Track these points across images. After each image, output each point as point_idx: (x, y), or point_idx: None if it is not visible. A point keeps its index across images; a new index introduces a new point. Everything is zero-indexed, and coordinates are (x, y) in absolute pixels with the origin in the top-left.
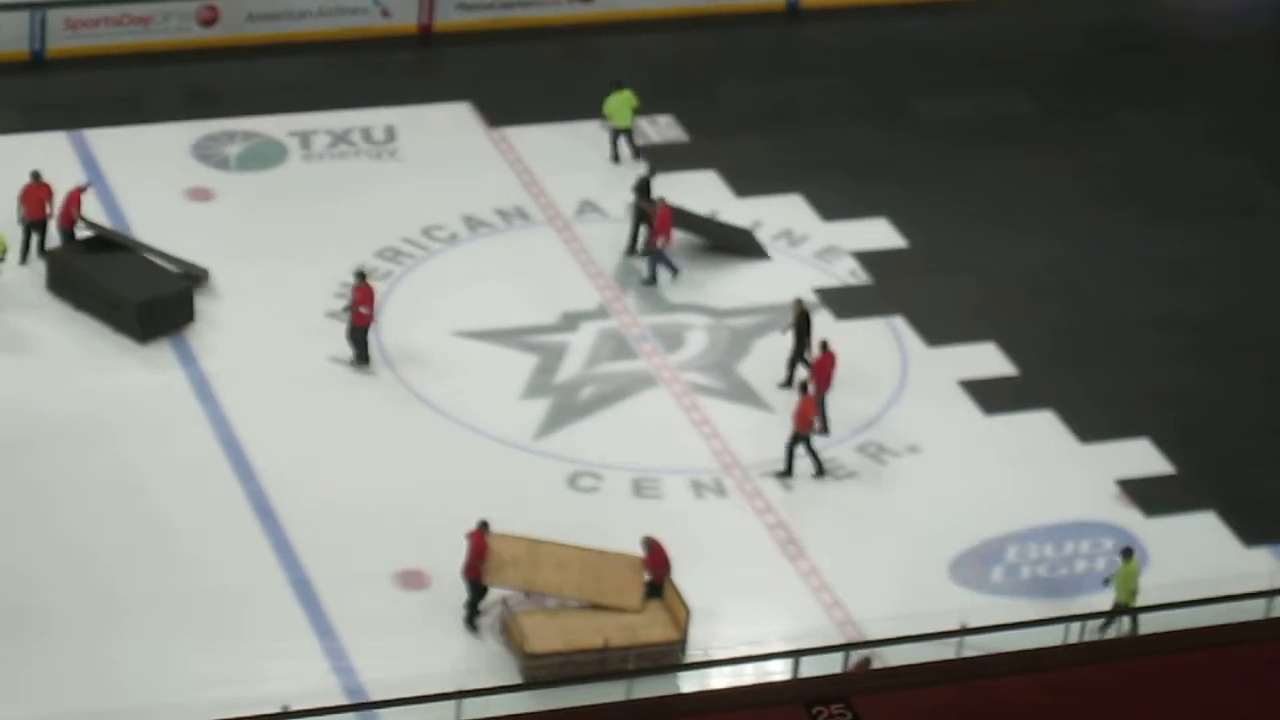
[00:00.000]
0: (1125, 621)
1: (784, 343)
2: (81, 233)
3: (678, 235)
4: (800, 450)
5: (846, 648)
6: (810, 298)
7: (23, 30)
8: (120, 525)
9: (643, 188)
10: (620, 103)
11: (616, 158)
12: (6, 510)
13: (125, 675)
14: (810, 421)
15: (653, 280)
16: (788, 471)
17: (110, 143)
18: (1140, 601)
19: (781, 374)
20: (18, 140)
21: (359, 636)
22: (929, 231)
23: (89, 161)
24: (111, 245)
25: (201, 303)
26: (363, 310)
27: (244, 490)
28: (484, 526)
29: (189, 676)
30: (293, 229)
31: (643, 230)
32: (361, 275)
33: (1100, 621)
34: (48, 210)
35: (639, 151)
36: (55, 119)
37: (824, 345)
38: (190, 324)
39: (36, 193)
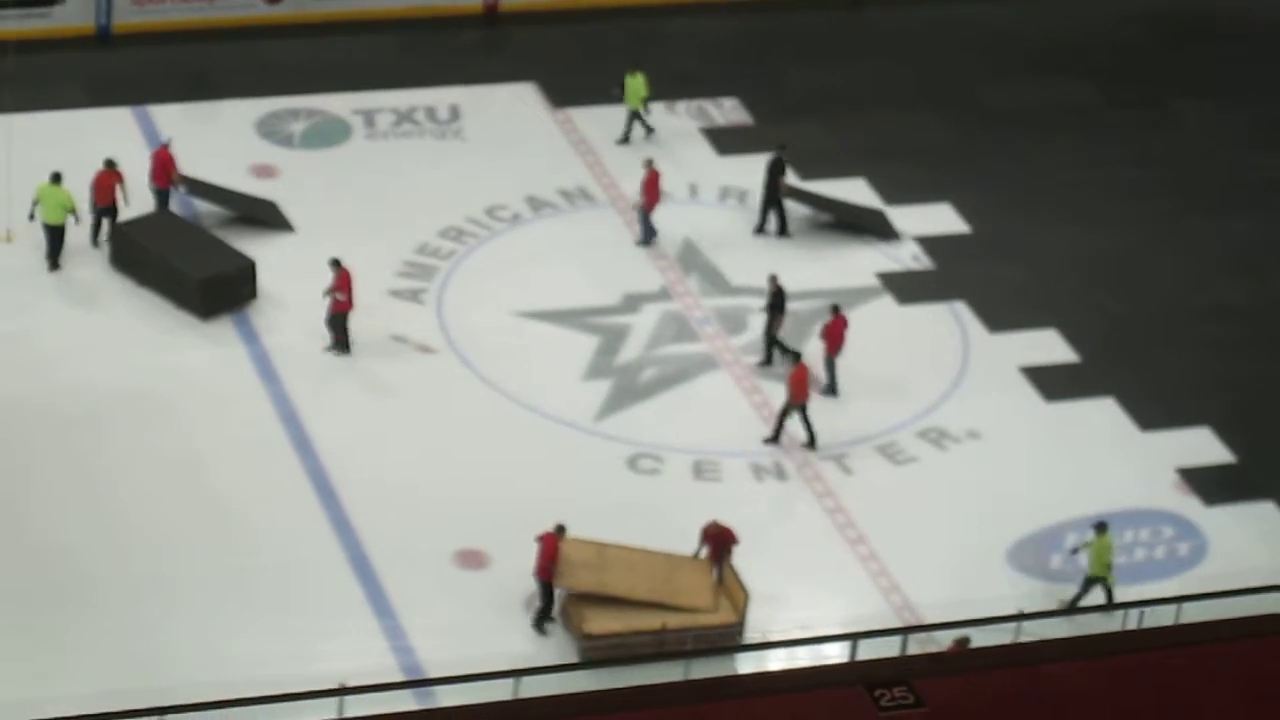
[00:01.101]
0: (1101, 594)
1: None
2: (178, 191)
3: (804, 213)
4: (798, 418)
5: (904, 631)
6: (873, 282)
7: (89, 6)
8: (180, 502)
9: (775, 167)
10: (636, 86)
11: (651, 129)
12: (67, 486)
13: (183, 651)
14: (804, 391)
15: (649, 240)
16: (774, 439)
17: (175, 119)
18: (1198, 589)
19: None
20: (83, 115)
21: (417, 615)
22: (992, 217)
23: (153, 137)
24: (175, 222)
25: (263, 280)
26: (339, 296)
27: (304, 467)
28: (560, 530)
29: (246, 653)
30: (356, 207)
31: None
32: (336, 262)
33: (1074, 594)
34: (119, 196)
35: (649, 128)
36: (121, 95)
37: (835, 309)
38: (252, 301)
39: (108, 179)
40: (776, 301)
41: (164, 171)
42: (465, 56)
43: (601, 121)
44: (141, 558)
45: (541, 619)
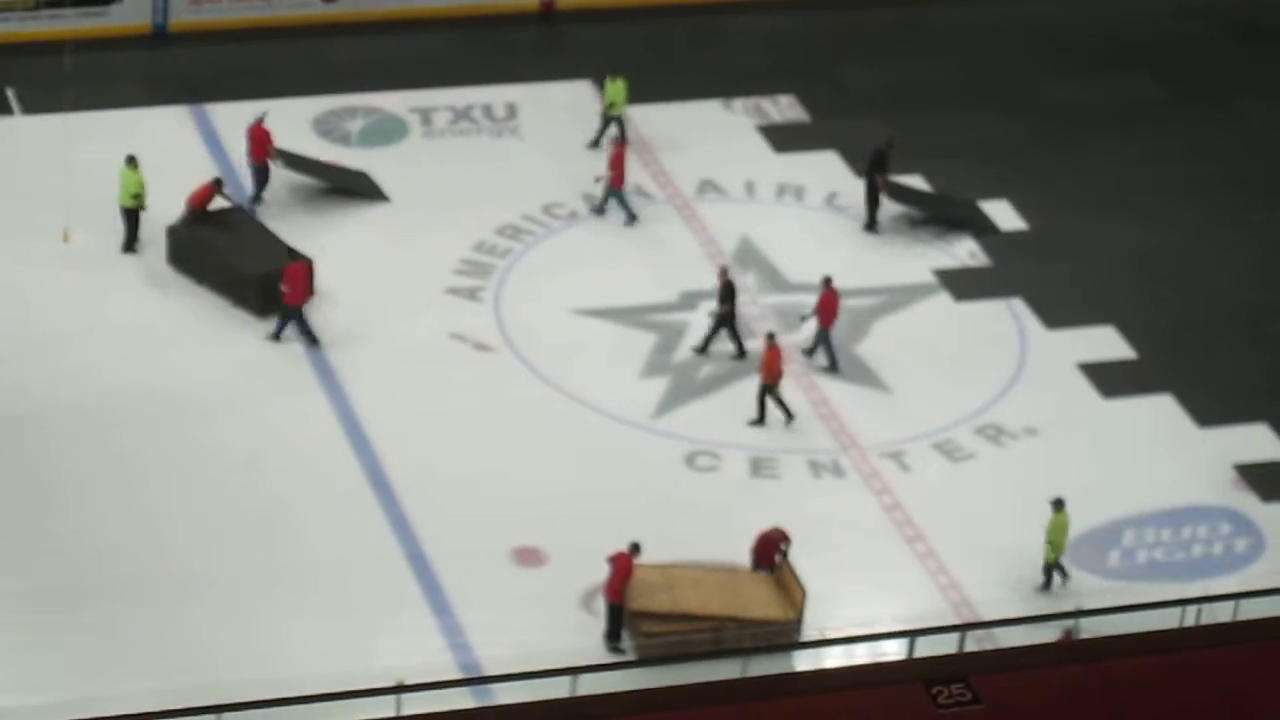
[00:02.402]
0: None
1: (898, 322)
2: (275, 164)
3: (892, 209)
4: (771, 401)
5: (962, 628)
6: (930, 279)
7: (146, 5)
8: (237, 500)
9: (877, 161)
10: (615, 91)
11: (624, 137)
12: (124, 484)
13: (241, 649)
14: (777, 372)
15: (602, 211)
16: (760, 420)
17: (231, 117)
18: (1255, 585)
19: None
20: (140, 113)
21: (474, 612)
22: (1050, 214)
23: (210, 135)
24: (232, 220)
25: (321, 278)
26: (284, 289)
27: (361, 465)
28: (634, 549)
29: (304, 651)
30: (413, 205)
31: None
32: (291, 252)
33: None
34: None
35: (623, 136)
36: (177, 93)
37: (827, 281)
38: (310, 299)
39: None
40: (727, 294)
41: (261, 146)
42: (522, 54)
43: (658, 119)
44: (197, 556)
45: (611, 640)
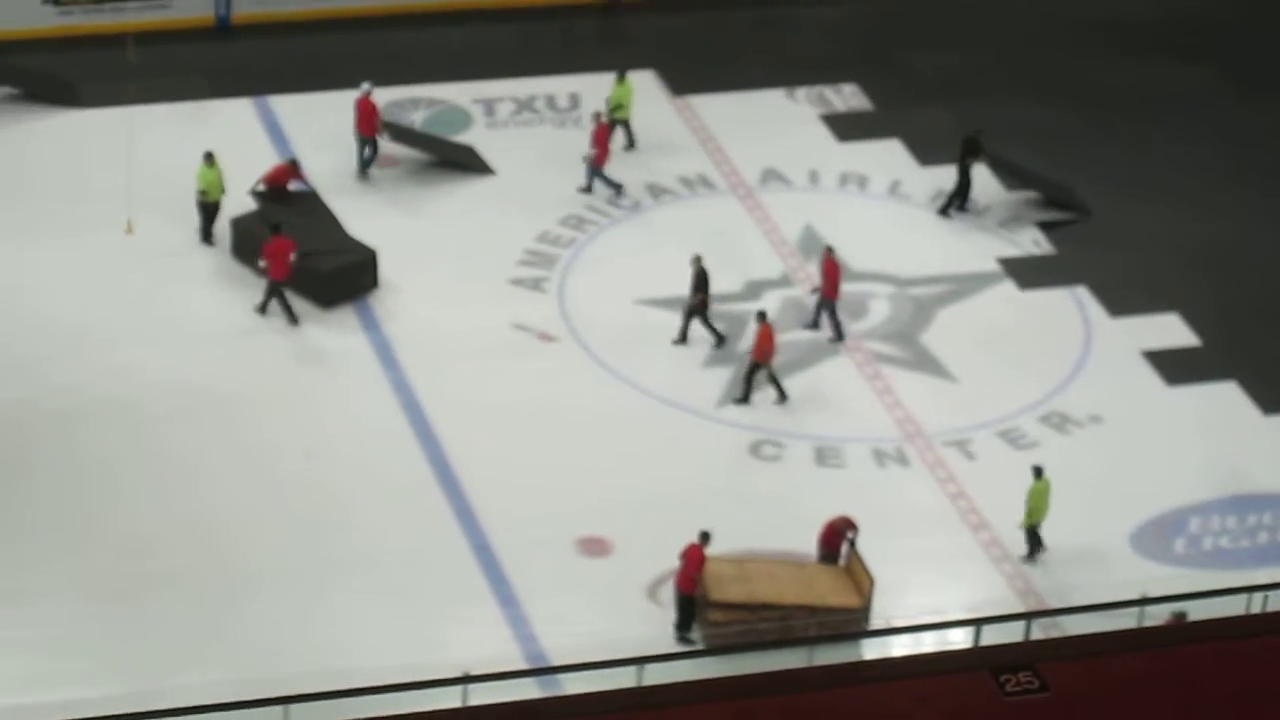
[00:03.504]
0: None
1: (962, 311)
2: (383, 137)
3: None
4: (762, 378)
5: (1028, 616)
6: (994, 267)
7: None
8: (301, 490)
9: (970, 147)
10: (621, 94)
11: (633, 143)
12: (189, 474)
13: (306, 640)
14: (768, 350)
15: (589, 189)
16: (745, 399)
17: (295, 109)
18: None
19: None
20: (203, 106)
21: (540, 603)
22: (1113, 201)
23: (274, 128)
24: (293, 211)
25: (385, 268)
26: (263, 264)
27: (425, 456)
28: (705, 538)
29: (370, 643)
30: (476, 196)
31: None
32: (275, 227)
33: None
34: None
35: (631, 142)
36: (240, 85)
37: (829, 250)
38: (373, 289)
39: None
40: (700, 283)
41: (368, 119)
42: (585, 44)
43: (722, 108)
44: (261, 548)
45: (681, 630)
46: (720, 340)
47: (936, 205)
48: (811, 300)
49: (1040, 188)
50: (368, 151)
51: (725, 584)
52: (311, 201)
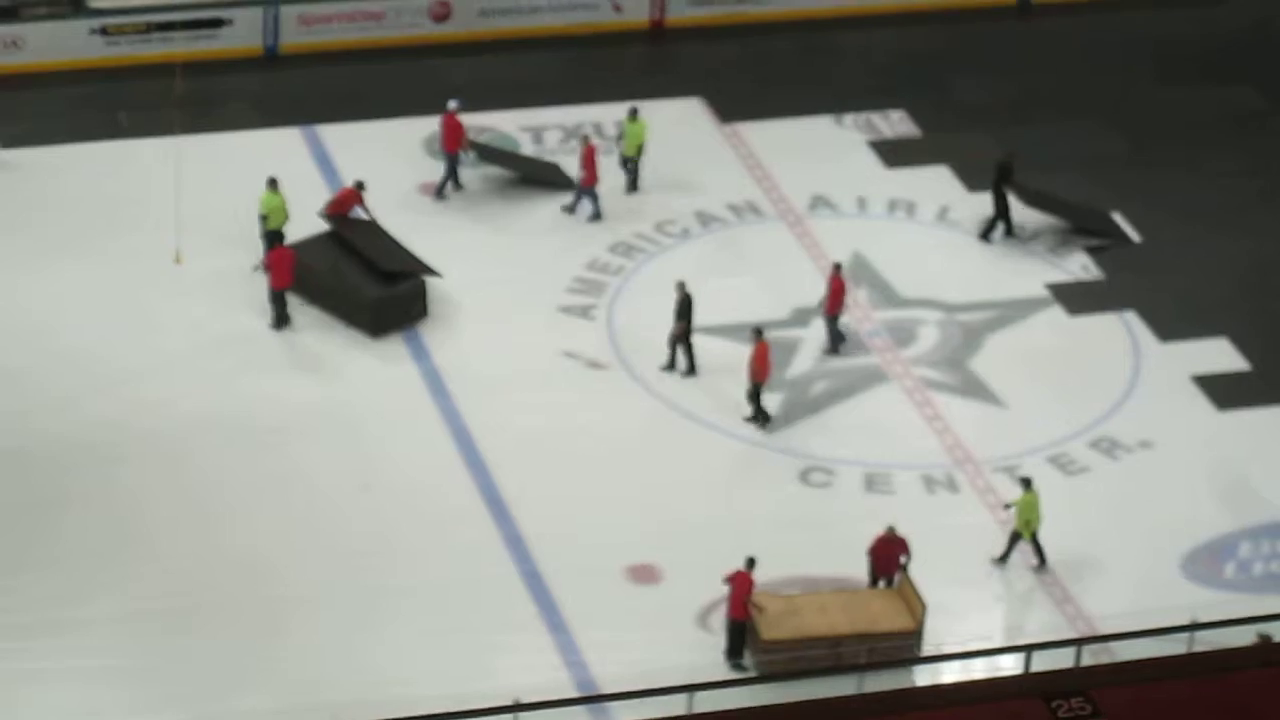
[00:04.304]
0: (1032, 553)
1: (1011, 336)
2: (468, 155)
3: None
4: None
5: (1079, 642)
6: (1043, 293)
7: (257, 27)
8: (350, 518)
9: (1003, 172)
10: (635, 132)
11: (636, 185)
12: (248, 500)
13: (355, 667)
14: (763, 370)
15: (572, 210)
16: (760, 419)
17: (343, 138)
18: None
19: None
20: (252, 135)
21: (590, 630)
22: (1159, 227)
23: (322, 157)
24: (343, 240)
25: (434, 297)
26: (266, 270)
27: (475, 483)
28: (750, 564)
29: (420, 670)
30: (524, 223)
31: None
32: (279, 236)
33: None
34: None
35: (634, 184)
36: (289, 114)
37: (837, 267)
38: (423, 318)
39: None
40: (683, 309)
41: (454, 136)
42: (632, 72)
43: (770, 135)
44: (313, 573)
45: (733, 657)
46: (692, 369)
47: (977, 233)
48: (862, 327)
49: (1068, 215)
50: (453, 169)
51: (776, 622)
52: (368, 228)
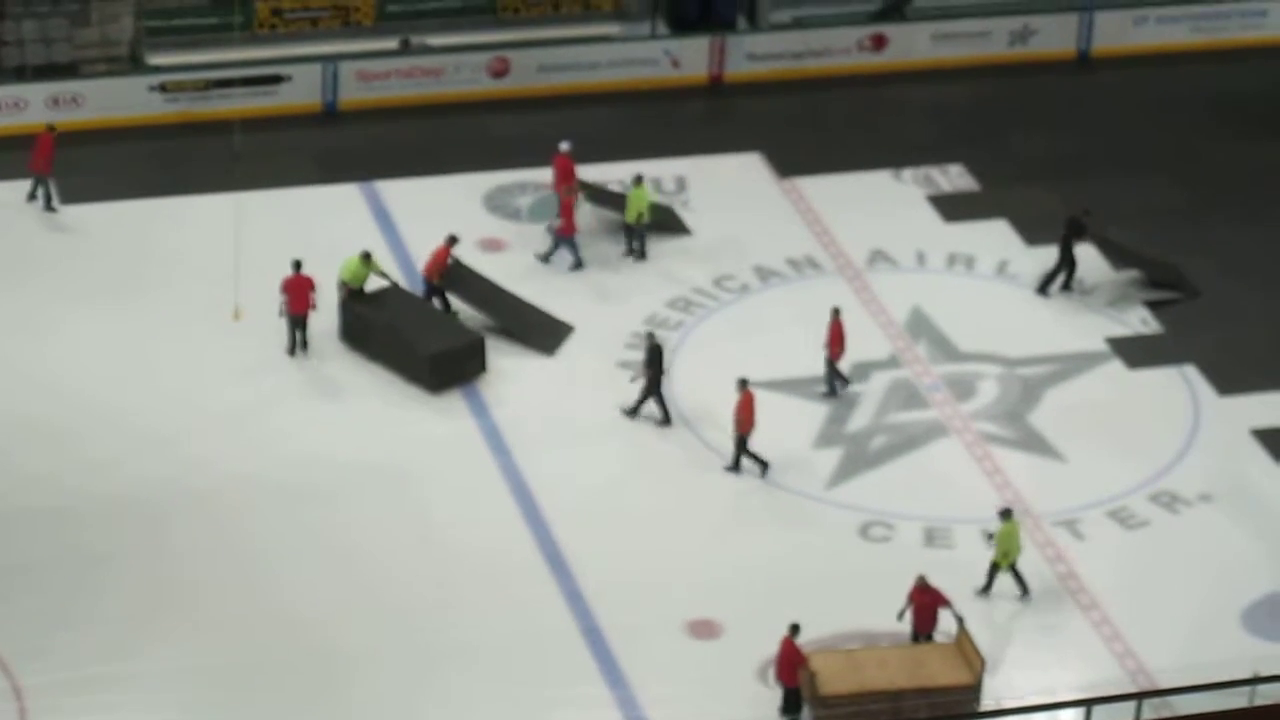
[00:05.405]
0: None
1: (1071, 390)
2: (579, 199)
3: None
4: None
5: (1139, 697)
6: (1102, 347)
7: (316, 83)
8: (410, 574)
9: (1075, 227)
10: (637, 198)
11: (644, 253)
12: (301, 560)
13: None
14: (749, 421)
15: (547, 259)
16: (760, 466)
17: (402, 194)
18: None
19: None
20: (312, 191)
21: (650, 685)
22: (1220, 280)
23: (381, 213)
24: (403, 296)
25: (493, 353)
26: (283, 298)
27: (535, 538)
28: (794, 630)
29: None
30: (583, 279)
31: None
32: (296, 265)
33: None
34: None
35: (642, 252)
36: (348, 170)
37: (836, 312)
38: (482, 374)
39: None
40: (654, 357)
41: (565, 177)
42: (690, 127)
43: (828, 190)
44: (374, 629)
45: (790, 714)
46: (666, 420)
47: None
48: (922, 381)
49: (1145, 268)
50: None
51: (836, 677)
52: (407, 294)
